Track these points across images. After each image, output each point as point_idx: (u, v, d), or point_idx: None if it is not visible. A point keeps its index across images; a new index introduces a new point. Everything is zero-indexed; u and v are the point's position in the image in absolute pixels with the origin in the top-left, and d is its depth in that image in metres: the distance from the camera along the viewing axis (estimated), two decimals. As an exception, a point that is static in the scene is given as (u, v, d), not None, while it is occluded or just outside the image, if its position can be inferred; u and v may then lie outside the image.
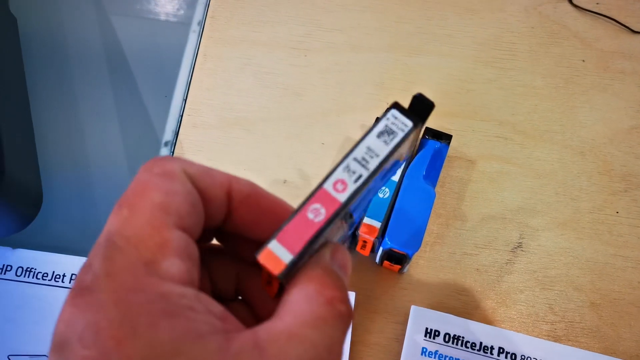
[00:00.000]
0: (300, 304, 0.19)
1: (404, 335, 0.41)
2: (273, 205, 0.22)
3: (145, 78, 0.50)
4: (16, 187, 0.41)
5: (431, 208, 0.39)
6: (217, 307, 0.18)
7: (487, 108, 0.48)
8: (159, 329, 0.16)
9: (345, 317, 0.19)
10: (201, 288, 0.19)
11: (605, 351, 0.41)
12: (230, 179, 0.21)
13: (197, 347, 0.16)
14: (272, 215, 0.22)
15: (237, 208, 0.21)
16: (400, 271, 0.42)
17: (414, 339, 0.40)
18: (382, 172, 0.21)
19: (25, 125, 0.46)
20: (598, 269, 0.43)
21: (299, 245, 0.19)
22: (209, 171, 0.21)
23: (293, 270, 0.20)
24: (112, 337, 0.15)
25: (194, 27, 0.52)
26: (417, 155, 0.41)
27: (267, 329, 0.18)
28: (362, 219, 0.38)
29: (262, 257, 0.19)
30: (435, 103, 0.46)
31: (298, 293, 0.19)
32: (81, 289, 0.17)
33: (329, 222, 0.20)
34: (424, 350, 0.40)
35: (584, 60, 0.50)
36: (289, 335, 0.18)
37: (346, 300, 0.20)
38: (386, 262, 0.40)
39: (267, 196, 0.22)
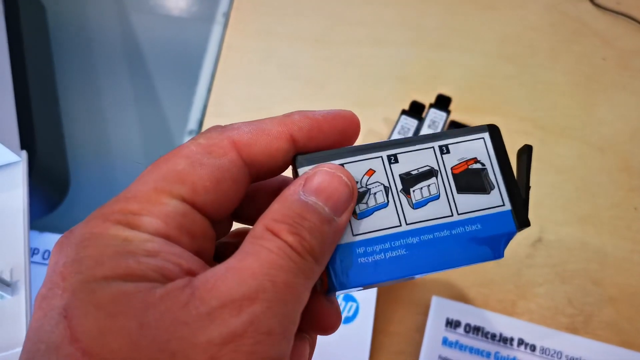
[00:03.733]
0: (245, 243, 0.18)
1: (425, 325, 0.41)
2: (332, 123, 0.21)
3: (171, 68, 0.51)
4: (46, 171, 0.41)
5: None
6: (191, 259, 0.18)
7: (508, 103, 0.49)
8: (101, 267, 0.16)
9: (296, 248, 0.17)
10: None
11: (622, 344, 0.41)
12: (287, 126, 0.20)
13: (127, 285, 0.16)
14: (335, 133, 0.21)
15: (303, 145, 0.20)
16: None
17: (435, 328, 0.41)
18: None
19: (53, 113, 0.46)
20: (616, 264, 0.44)
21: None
22: (261, 129, 0.20)
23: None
24: (60, 274, 0.16)
25: (219, 18, 0.52)
26: (442, 148, 0.41)
27: (212, 269, 0.17)
28: None
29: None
30: (458, 98, 0.47)
31: (249, 234, 0.18)
32: (69, 231, 0.18)
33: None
34: (445, 340, 0.41)
35: (604, 59, 0.51)
36: (225, 270, 0.17)
37: (298, 231, 0.18)
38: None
39: (323, 118, 0.21)
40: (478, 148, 0.22)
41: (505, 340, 0.41)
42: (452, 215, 0.22)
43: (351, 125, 0.21)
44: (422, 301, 0.43)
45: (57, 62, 0.49)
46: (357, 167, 0.21)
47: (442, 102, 0.43)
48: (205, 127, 0.48)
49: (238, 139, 0.19)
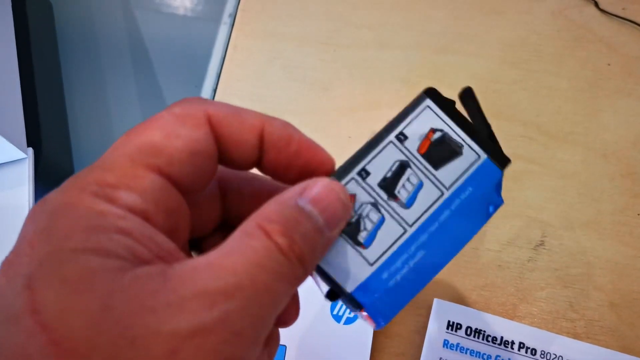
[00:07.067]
0: (233, 238, 0.17)
1: (426, 327, 0.41)
2: (303, 150, 0.21)
3: (177, 68, 0.51)
4: (51, 168, 0.42)
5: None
6: (165, 242, 0.17)
7: (512, 108, 0.49)
8: (71, 239, 0.15)
9: (285, 251, 0.17)
10: (174, 237, 0.19)
11: (623, 350, 0.41)
12: (264, 121, 0.20)
13: (96, 260, 0.15)
14: (303, 161, 0.20)
15: (267, 150, 0.20)
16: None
17: (436, 331, 0.41)
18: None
19: (59, 110, 0.47)
20: (618, 269, 0.44)
21: None
22: (239, 114, 0.19)
23: None
24: (29, 242, 0.16)
25: (225, 19, 0.53)
26: (446, 151, 0.41)
27: (192, 261, 0.16)
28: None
29: None
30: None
31: (238, 229, 0.17)
32: (43, 199, 0.17)
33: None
34: (446, 342, 0.41)
35: (609, 65, 0.51)
36: (206, 264, 0.16)
37: (291, 234, 0.17)
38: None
39: (299, 140, 0.20)
40: (429, 117, 0.22)
41: (506, 344, 0.41)
42: (443, 194, 0.21)
43: (320, 166, 0.21)
44: (424, 303, 0.43)
45: (63, 60, 0.50)
46: None
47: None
48: (210, 127, 0.48)
49: (214, 113, 0.19)
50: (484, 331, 0.41)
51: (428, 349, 0.41)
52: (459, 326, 0.41)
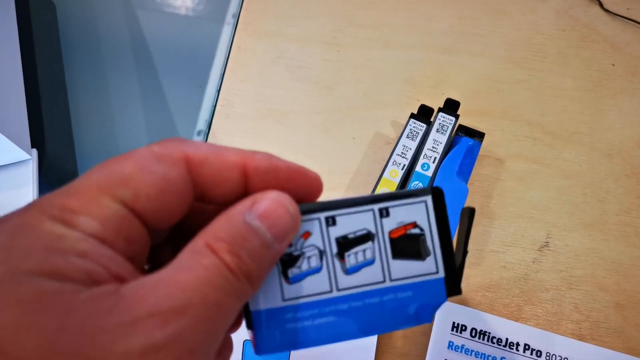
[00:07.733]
0: (183, 255, 0.17)
1: (431, 328, 0.41)
2: (292, 176, 0.21)
3: (180, 68, 0.51)
4: (55, 169, 0.41)
5: (464, 202, 0.39)
6: (122, 263, 0.17)
7: (516, 108, 0.49)
8: (28, 260, 0.15)
9: (232, 268, 0.17)
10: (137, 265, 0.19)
11: (629, 351, 0.41)
12: (245, 159, 0.20)
13: (51, 283, 0.15)
14: (292, 187, 0.21)
15: (254, 185, 0.20)
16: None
17: (441, 332, 0.41)
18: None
19: (63, 112, 0.47)
20: (623, 270, 0.44)
21: None
22: (219, 153, 0.20)
23: None
24: None
25: (229, 19, 0.53)
26: (451, 152, 0.41)
27: (143, 279, 0.17)
28: None
29: None
30: (465, 102, 0.47)
31: (188, 246, 0.18)
32: (3, 217, 0.17)
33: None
34: (451, 344, 0.41)
35: (613, 64, 0.51)
36: (157, 282, 0.16)
37: (238, 251, 0.18)
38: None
39: (286, 168, 0.21)
40: (419, 211, 0.22)
41: (511, 346, 0.41)
42: (384, 282, 0.21)
43: (310, 187, 0.21)
44: (428, 305, 0.43)
45: (66, 61, 0.49)
46: None
47: (451, 106, 0.43)
48: (214, 127, 0.48)
49: (192, 155, 0.19)
50: (489, 333, 0.41)
51: (433, 350, 0.41)
52: (463, 327, 0.41)
